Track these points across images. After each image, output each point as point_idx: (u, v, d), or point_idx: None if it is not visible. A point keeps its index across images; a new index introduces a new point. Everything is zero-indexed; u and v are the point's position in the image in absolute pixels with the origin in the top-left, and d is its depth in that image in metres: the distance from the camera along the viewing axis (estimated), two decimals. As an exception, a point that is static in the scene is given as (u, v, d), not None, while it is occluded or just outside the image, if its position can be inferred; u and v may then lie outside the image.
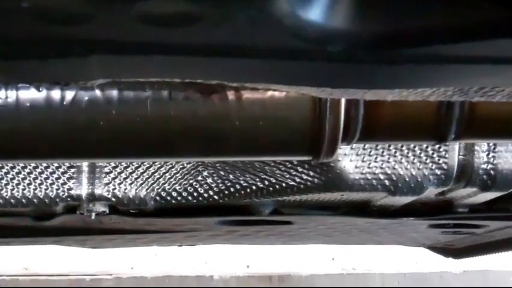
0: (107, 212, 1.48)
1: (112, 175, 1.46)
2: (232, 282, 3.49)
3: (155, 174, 1.47)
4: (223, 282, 3.47)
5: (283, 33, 0.73)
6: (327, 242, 2.46)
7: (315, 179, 1.46)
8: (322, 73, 0.81)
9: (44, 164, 1.43)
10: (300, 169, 1.45)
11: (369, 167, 1.44)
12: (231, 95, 1.08)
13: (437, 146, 1.43)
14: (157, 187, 1.48)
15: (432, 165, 1.44)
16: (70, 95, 1.05)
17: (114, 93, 1.06)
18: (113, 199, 1.46)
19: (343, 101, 1.10)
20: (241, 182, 1.48)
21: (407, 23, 0.74)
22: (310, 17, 0.72)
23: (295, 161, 1.45)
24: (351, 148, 1.42)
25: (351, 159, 1.43)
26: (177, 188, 1.48)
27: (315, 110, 1.10)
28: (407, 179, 1.45)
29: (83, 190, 1.45)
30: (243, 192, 1.49)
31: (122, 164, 1.45)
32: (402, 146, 1.44)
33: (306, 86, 0.87)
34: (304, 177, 1.46)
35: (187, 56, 0.77)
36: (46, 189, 1.44)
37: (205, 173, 1.47)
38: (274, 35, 0.74)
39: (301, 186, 1.47)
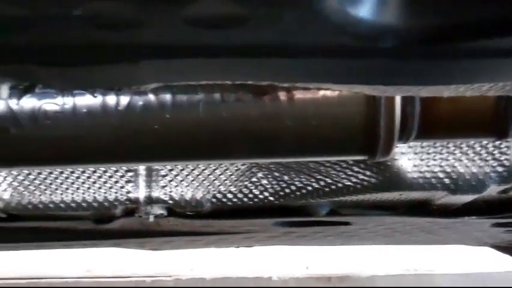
0: (165, 214, 1.50)
1: (168, 178, 1.47)
2: (291, 283, 3.48)
3: (210, 176, 1.48)
4: (282, 283, 3.46)
5: (332, 31, 0.72)
6: (387, 243, 2.42)
7: (372, 179, 1.43)
8: (374, 71, 0.79)
9: (103, 168, 1.46)
10: (355, 169, 1.43)
11: (427, 166, 1.40)
12: (282, 95, 1.07)
13: (498, 142, 1.38)
14: (213, 189, 1.49)
15: (493, 163, 1.40)
16: (124, 100, 1.07)
17: (167, 97, 1.07)
18: (171, 201, 1.48)
19: (398, 98, 1.08)
20: (296, 182, 1.47)
21: (461, 16, 0.71)
22: (360, 13, 0.70)
23: (351, 161, 1.43)
24: (409, 146, 1.39)
25: (409, 158, 1.40)
26: (232, 189, 1.48)
27: (369, 108, 1.08)
28: (467, 177, 1.40)
29: (140, 193, 1.47)
30: (298, 193, 1.48)
31: (178, 166, 1.47)
32: (461, 143, 1.39)
33: (359, 84, 0.85)
34: (361, 177, 1.44)
35: (235, 57, 0.77)
36: (105, 193, 1.47)
37: (259, 175, 1.47)
38: (324, 33, 0.73)
39: (358, 186, 1.45)
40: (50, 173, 1.46)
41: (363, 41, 0.73)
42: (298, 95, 1.07)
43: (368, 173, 1.43)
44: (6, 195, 1.45)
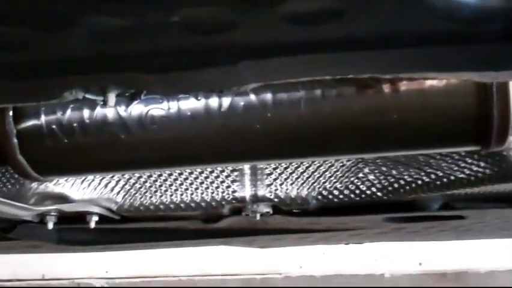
0: (271, 212, 1.51)
1: (273, 176, 1.48)
2: (403, 280, 3.39)
3: (315, 174, 1.47)
4: (394, 280, 3.38)
5: (435, 17, 0.69)
6: (506, 237, 2.30)
7: (487, 170, 1.36)
8: (482, 56, 0.74)
9: (209, 169, 1.49)
10: (469, 160, 1.37)
11: None
12: (386, 87, 1.04)
13: None
14: (318, 186, 1.47)
15: None
16: (226, 101, 1.08)
17: (268, 96, 1.07)
18: (276, 200, 1.48)
19: (511, 84, 1.01)
20: (405, 177, 1.43)
21: None
22: None
23: (464, 152, 1.36)
24: (526, 134, 1.30)
25: (527, 146, 1.32)
26: (338, 186, 1.46)
27: (480, 96, 1.02)
28: None
29: (246, 192, 1.49)
30: (407, 187, 1.43)
31: (282, 164, 1.47)
32: None
33: (467, 72, 0.80)
34: (475, 168, 1.37)
35: (335, 52, 0.75)
36: (212, 193, 1.50)
37: (366, 170, 1.44)
38: (427, 20, 0.69)
39: (472, 178, 1.38)
40: (160, 175, 1.51)
41: (469, 26, 0.69)
42: (404, 86, 1.04)
43: (482, 164, 1.36)
44: (119, 198, 1.52)
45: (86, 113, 1.10)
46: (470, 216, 1.64)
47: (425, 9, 0.69)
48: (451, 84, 1.02)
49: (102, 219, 1.53)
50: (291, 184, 1.48)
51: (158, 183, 1.51)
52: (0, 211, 1.31)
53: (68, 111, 1.10)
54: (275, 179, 1.48)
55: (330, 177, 1.46)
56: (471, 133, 1.08)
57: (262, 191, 1.48)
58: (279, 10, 0.70)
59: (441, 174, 1.41)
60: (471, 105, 1.04)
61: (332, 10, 0.69)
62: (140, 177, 1.51)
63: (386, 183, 1.45)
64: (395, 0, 0.69)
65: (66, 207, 1.49)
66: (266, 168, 1.48)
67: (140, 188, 1.52)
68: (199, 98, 1.09)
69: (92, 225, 1.52)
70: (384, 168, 1.44)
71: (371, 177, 1.45)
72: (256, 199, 1.49)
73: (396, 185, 1.45)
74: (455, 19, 0.69)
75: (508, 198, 1.52)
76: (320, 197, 1.48)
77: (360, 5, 0.68)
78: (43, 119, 1.10)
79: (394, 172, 1.44)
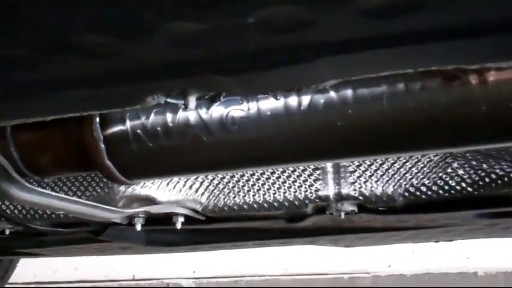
0: (356, 210, 1.48)
1: (356, 174, 1.45)
2: (499, 278, 3.25)
3: (401, 170, 1.43)
4: (489, 278, 3.24)
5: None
6: None
7: None
8: None
9: (291, 168, 1.48)
10: None
11: None
12: (473, 78, 0.99)
13: None
14: (404, 183, 1.43)
15: None
16: (306, 99, 1.07)
17: (348, 92, 1.05)
18: (361, 197, 1.46)
19: None
20: (497, 170, 1.36)
21: None
22: None
23: (560, 142, 1.28)
24: None
25: None
26: (426, 182, 1.41)
27: None
28: None
29: (330, 190, 1.47)
30: (499, 181, 1.37)
31: (366, 162, 1.44)
32: None
33: (562, 57, 0.75)
34: None
35: (414, 44, 0.72)
36: (295, 192, 1.49)
37: (455, 165, 1.39)
38: (511, 5, 0.65)
39: None
40: (242, 175, 1.52)
41: None
42: (491, 76, 0.98)
43: None
44: (203, 199, 1.54)
45: (169, 117, 1.12)
46: None
47: None
48: None
49: (188, 220, 1.56)
50: (376, 181, 1.45)
51: (241, 184, 1.52)
52: (91, 214, 1.36)
53: (152, 116, 1.13)
54: (359, 177, 1.45)
55: (417, 173, 1.42)
56: None
57: (346, 189, 1.46)
58: (355, 4, 0.68)
59: (536, 166, 1.34)
60: None
61: (411, 2, 0.66)
62: (223, 178, 1.53)
63: (476, 178, 1.39)
64: None
65: (153, 209, 1.52)
66: (349, 165, 1.45)
67: (224, 188, 1.53)
68: (278, 98, 1.08)
69: (179, 226, 1.55)
70: (474, 162, 1.38)
71: (461, 172, 1.39)
72: (340, 197, 1.47)
73: (487, 180, 1.39)
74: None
75: None
76: (406, 194, 1.44)
77: None
78: (128, 124, 1.13)
79: (485, 166, 1.38)
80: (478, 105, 1.01)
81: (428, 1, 0.66)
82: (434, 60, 0.78)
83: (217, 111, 1.11)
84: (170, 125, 1.12)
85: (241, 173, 1.51)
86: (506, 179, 1.37)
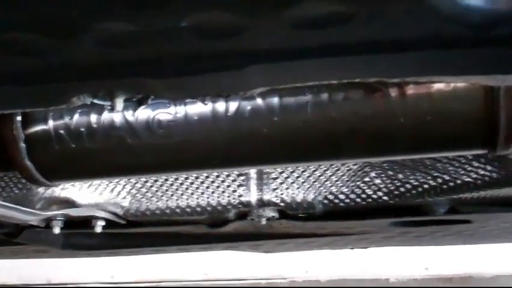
0: (277, 216, 1.50)
1: (279, 180, 1.48)
2: (410, 284, 3.38)
3: (321, 178, 1.46)
4: (401, 284, 3.37)
5: (443, 22, 0.69)
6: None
7: (494, 174, 1.36)
8: (490, 60, 0.74)
9: (215, 173, 1.49)
10: (475, 164, 1.36)
11: None
12: (393, 91, 1.04)
13: None
14: (324, 190, 1.47)
15: None
16: (233, 105, 1.08)
17: (275, 100, 1.07)
18: (282, 204, 1.48)
19: (519, 88, 1.01)
20: (412, 181, 1.43)
21: None
22: (472, 2, 0.67)
23: (470, 156, 1.36)
24: (533, 138, 1.30)
25: (534, 150, 1.31)
26: (344, 190, 1.46)
27: (488, 99, 1.02)
28: None
29: (252, 196, 1.49)
30: (414, 191, 1.43)
31: (288, 169, 1.47)
32: None
33: (474, 75, 0.80)
34: (481, 172, 1.37)
35: (342, 56, 0.75)
36: (218, 197, 1.50)
37: (372, 174, 1.44)
38: (434, 25, 0.69)
39: (478, 182, 1.38)
40: (166, 179, 1.51)
41: (476, 30, 0.69)
42: (411, 90, 1.03)
43: (489, 167, 1.35)
44: (125, 203, 1.52)
45: (93, 117, 1.10)
46: (476, 220, 1.64)
47: (432, 14, 0.69)
48: (457, 88, 1.02)
49: (108, 224, 1.54)
50: (297, 188, 1.48)
51: (164, 188, 1.51)
52: (7, 216, 1.31)
53: (76, 116, 1.11)
54: (281, 183, 1.48)
55: (336, 181, 1.46)
56: (478, 136, 1.08)
57: (268, 196, 1.48)
58: (287, 14, 0.71)
59: (447, 178, 1.40)
60: (478, 108, 1.04)
61: (340, 14, 0.69)
62: (146, 181, 1.51)
63: (392, 187, 1.44)
64: (402, 5, 0.69)
65: (72, 212, 1.49)
66: (272, 172, 1.48)
67: (146, 192, 1.52)
68: (206, 103, 1.09)
69: (99, 230, 1.52)
70: (390, 172, 1.44)
71: (377, 181, 1.44)
72: (262, 203, 1.49)
73: (402, 189, 1.44)
74: (463, 23, 0.69)
75: (514, 202, 1.52)
76: (326, 201, 1.48)
77: (368, 9, 0.69)
78: (51, 124, 1.10)
79: (400, 176, 1.43)
80: (396, 117, 1.06)
81: (356, 15, 0.69)
82: (357, 73, 0.81)
83: (143, 113, 1.10)
84: (95, 126, 1.10)
85: (165, 177, 1.50)
86: (420, 189, 1.43)
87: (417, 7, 0.69)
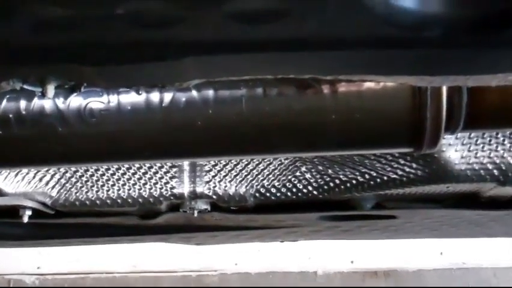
0: (209, 209, 1.51)
1: (212, 173, 1.48)
2: (336, 278, 3.47)
3: (253, 171, 1.48)
4: (327, 277, 3.45)
5: (376, 22, 0.71)
6: (434, 236, 2.37)
7: (419, 171, 1.41)
8: (420, 61, 0.78)
9: (148, 165, 1.48)
10: (402, 161, 1.41)
11: (476, 157, 1.37)
12: (325, 88, 1.06)
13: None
14: (256, 184, 1.49)
15: None
16: (168, 96, 1.08)
17: (210, 93, 1.07)
18: (214, 196, 1.49)
19: (444, 89, 1.06)
20: (341, 176, 1.46)
21: (507, 3, 0.69)
22: (404, 3, 0.69)
23: (397, 153, 1.41)
24: (456, 138, 1.36)
25: (457, 149, 1.37)
26: (276, 184, 1.48)
27: (415, 100, 1.06)
28: (517, 168, 1.37)
29: (185, 188, 1.49)
30: (342, 187, 1.47)
31: (222, 162, 1.47)
32: (511, 133, 1.35)
33: (404, 75, 0.84)
34: (407, 169, 1.42)
35: (276, 51, 0.76)
36: (150, 189, 1.49)
37: (303, 169, 1.47)
38: (367, 25, 0.72)
39: (404, 179, 1.43)
40: (97, 170, 1.48)
41: (407, 31, 0.72)
42: (342, 88, 1.06)
43: (414, 165, 1.40)
44: (54, 193, 1.49)
45: (22, 104, 1.07)
46: (400, 216, 1.70)
47: (365, 14, 0.71)
48: (387, 87, 1.05)
49: (36, 213, 1.50)
50: (230, 181, 1.49)
51: (95, 178, 1.49)
52: None
53: (4, 102, 1.07)
54: (214, 176, 1.48)
55: (268, 175, 1.48)
56: (405, 135, 1.12)
57: (200, 188, 1.48)
58: (224, 8, 0.71)
59: (375, 174, 1.44)
60: (406, 108, 1.07)
61: (277, 10, 0.70)
62: (76, 171, 1.48)
63: (322, 182, 1.47)
64: (336, 4, 0.71)
65: (-2, 201, 1.44)
66: (205, 165, 1.48)
67: (77, 182, 1.49)
68: (140, 92, 1.08)
69: (25, 219, 1.48)
70: (320, 168, 1.47)
71: (308, 175, 1.47)
72: (194, 196, 1.49)
73: (331, 184, 1.47)
74: (395, 24, 0.71)
75: (436, 199, 1.58)
76: (257, 194, 1.49)
77: (304, 6, 0.70)
78: None
79: (330, 171, 1.47)
80: (328, 114, 1.08)
81: (292, 12, 0.70)
82: (292, 69, 0.83)
83: (75, 101, 1.08)
84: (24, 112, 1.07)
85: (96, 167, 1.48)
86: (348, 184, 1.47)
87: (351, 7, 0.70)
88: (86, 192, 1.49)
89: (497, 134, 1.36)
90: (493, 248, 3.56)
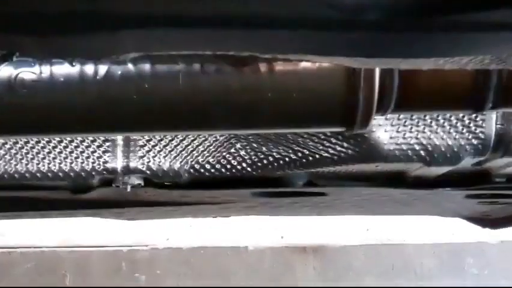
0: (142, 184, 1.50)
1: (146, 148, 1.47)
2: (266, 252, 3.53)
3: (188, 147, 1.48)
4: (258, 252, 3.50)
5: (316, 3, 0.72)
6: (362, 213, 2.45)
7: (349, 150, 1.44)
8: (356, 43, 0.79)
9: (80, 138, 1.45)
10: (333, 140, 1.44)
11: (404, 138, 1.42)
12: (263, 67, 1.07)
13: (474, 115, 1.40)
14: (191, 159, 1.48)
15: (468, 135, 1.42)
16: (103, 69, 1.06)
17: (146, 67, 1.06)
18: (148, 172, 1.48)
19: (377, 71, 1.09)
20: (274, 154, 1.48)
21: None
22: None
23: (329, 133, 1.44)
24: (386, 118, 1.40)
25: (386, 130, 1.41)
26: (210, 160, 1.48)
27: (349, 81, 1.09)
28: (442, 149, 1.43)
29: (118, 163, 1.47)
30: (276, 164, 1.49)
31: (156, 137, 1.46)
32: (438, 116, 1.41)
33: (340, 57, 0.85)
34: (338, 148, 1.45)
35: (216, 28, 0.76)
36: (82, 163, 1.46)
37: (238, 145, 1.47)
38: (307, 5, 0.72)
39: (335, 157, 1.46)
40: (27, 142, 1.44)
41: (346, 13, 0.73)
42: (279, 66, 1.07)
43: (345, 144, 1.44)
44: (-19, 165, 1.44)
45: None
46: (330, 193, 1.74)
47: None
48: (323, 68, 1.07)
49: (-39, 186, 1.45)
50: (164, 157, 1.48)
51: (24, 151, 1.44)
52: None
53: None
54: (148, 151, 1.47)
55: (203, 151, 1.48)
56: (337, 115, 1.15)
57: (134, 163, 1.47)
58: None
59: (307, 152, 1.47)
60: (339, 88, 1.10)
61: None
62: (5, 143, 1.44)
63: (256, 159, 1.49)
64: None
65: None
66: (140, 140, 1.46)
67: (5, 155, 1.44)
68: (74, 64, 1.05)
69: (-50, 192, 1.42)
70: (255, 145, 1.48)
71: (242, 152, 1.48)
72: (128, 171, 1.47)
73: (265, 161, 1.49)
74: (334, 6, 0.72)
75: (366, 177, 1.63)
76: (192, 170, 1.49)
77: None
78: None
79: (264, 149, 1.48)
80: (264, 92, 1.09)
81: (234, -11, 0.70)
82: (232, 46, 0.83)
83: (5, 71, 1.04)
84: None
85: (26, 140, 1.44)
86: (281, 161, 1.49)
87: None
88: (16, 165, 1.44)
89: (425, 116, 1.41)
90: (417, 225, 3.71)
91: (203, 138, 1.48)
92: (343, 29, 0.75)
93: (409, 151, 1.43)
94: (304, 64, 1.07)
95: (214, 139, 1.48)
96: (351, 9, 0.72)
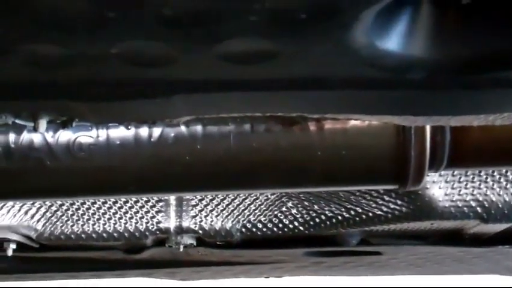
0: (195, 244, 1.50)
1: (198, 208, 1.48)
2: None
3: (240, 206, 1.48)
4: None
5: (361, 64, 0.73)
6: (419, 273, 2.38)
7: (403, 208, 1.42)
8: (403, 101, 0.80)
9: (134, 199, 1.48)
10: (387, 198, 1.43)
11: (459, 194, 1.39)
12: (312, 125, 1.08)
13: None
14: (243, 219, 1.49)
15: None
16: (157, 132, 1.09)
17: (198, 128, 1.09)
18: (200, 231, 1.48)
19: (428, 127, 1.08)
20: (326, 212, 1.47)
21: (488, 47, 0.72)
22: (388, 46, 0.72)
23: (382, 190, 1.42)
24: (440, 175, 1.38)
25: (440, 187, 1.39)
26: (262, 219, 1.48)
27: (399, 138, 1.08)
28: (500, 206, 1.39)
29: (171, 223, 1.48)
30: (328, 222, 1.48)
31: (208, 196, 1.48)
32: (493, 172, 1.38)
33: (388, 115, 0.86)
34: (392, 206, 1.43)
35: (265, 91, 0.78)
36: (136, 223, 1.48)
37: (289, 204, 1.47)
38: (353, 66, 0.74)
39: (389, 215, 1.44)
40: (83, 203, 1.48)
41: (391, 73, 0.74)
42: (328, 125, 1.08)
43: (399, 202, 1.42)
44: (39, 226, 1.48)
45: (11, 137, 1.08)
46: (385, 252, 1.70)
47: (351, 57, 0.74)
48: (373, 126, 1.08)
49: (20, 247, 1.48)
50: (216, 216, 1.49)
51: (80, 212, 1.48)
52: None
53: None
54: (200, 211, 1.48)
55: (254, 210, 1.49)
56: (390, 172, 1.14)
57: (187, 222, 1.48)
58: (215, 48, 0.73)
59: (360, 210, 1.45)
60: (390, 146, 1.10)
61: (266, 52, 0.72)
62: (62, 205, 1.48)
63: (307, 218, 1.48)
64: (323, 46, 0.73)
65: (-18, 234, 1.43)
66: (192, 199, 1.48)
67: (62, 216, 1.48)
68: (129, 127, 1.09)
69: (10, 253, 1.46)
70: (306, 203, 1.47)
71: (294, 211, 1.48)
72: (180, 230, 1.48)
73: (317, 220, 1.48)
74: (379, 66, 0.73)
75: (421, 235, 1.60)
76: (243, 229, 1.49)
77: (293, 49, 0.72)
78: None
79: (316, 207, 1.47)
80: (314, 150, 1.10)
81: (280, 53, 0.72)
82: (280, 107, 0.85)
83: (64, 135, 1.09)
84: (13, 146, 1.08)
85: (82, 201, 1.48)
86: (334, 220, 1.48)
87: (338, 49, 0.73)
88: (72, 226, 1.48)
89: (480, 172, 1.38)
90: (476, 284, 3.56)
91: (254, 197, 1.48)
92: (387, 88, 0.76)
93: (465, 208, 1.40)
94: (353, 122, 1.08)
95: (266, 198, 1.48)
96: (393, 68, 0.73)
